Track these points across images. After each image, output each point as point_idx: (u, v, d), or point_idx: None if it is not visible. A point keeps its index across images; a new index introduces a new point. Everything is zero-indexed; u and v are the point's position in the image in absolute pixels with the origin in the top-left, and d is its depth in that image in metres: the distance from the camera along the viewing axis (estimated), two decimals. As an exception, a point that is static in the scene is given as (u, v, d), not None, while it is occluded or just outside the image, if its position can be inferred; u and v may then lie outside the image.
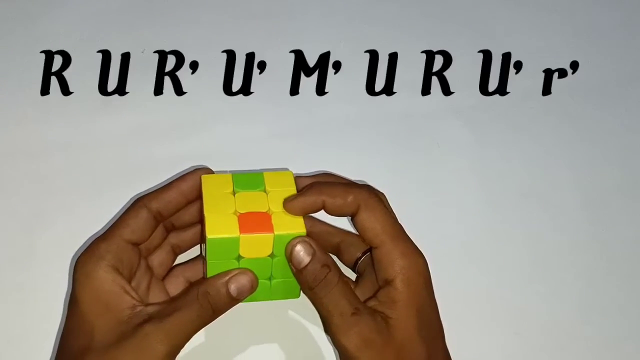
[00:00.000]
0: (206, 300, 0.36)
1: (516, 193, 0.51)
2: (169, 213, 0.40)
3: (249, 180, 0.39)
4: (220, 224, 0.37)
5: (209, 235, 0.36)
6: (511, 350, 0.46)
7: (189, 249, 0.43)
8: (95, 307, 0.36)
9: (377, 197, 0.39)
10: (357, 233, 0.40)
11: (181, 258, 0.44)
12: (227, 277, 0.37)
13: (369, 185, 0.40)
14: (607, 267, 0.49)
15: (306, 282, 0.37)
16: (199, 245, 0.44)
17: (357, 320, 0.37)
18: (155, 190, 0.40)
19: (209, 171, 0.40)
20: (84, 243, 0.46)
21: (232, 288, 0.37)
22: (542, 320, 0.47)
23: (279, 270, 0.39)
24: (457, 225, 0.49)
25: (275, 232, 0.37)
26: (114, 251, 0.38)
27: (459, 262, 0.48)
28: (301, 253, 0.37)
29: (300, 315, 0.45)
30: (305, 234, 0.37)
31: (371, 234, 0.38)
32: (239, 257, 0.38)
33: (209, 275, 0.38)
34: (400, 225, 0.39)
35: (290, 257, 0.37)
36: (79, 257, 0.38)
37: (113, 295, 0.37)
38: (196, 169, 0.40)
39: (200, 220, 0.41)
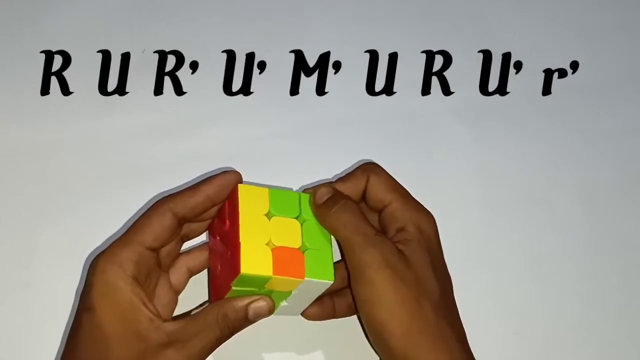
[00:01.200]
0: (225, 324, 0.37)
1: (516, 193, 0.51)
2: (193, 217, 0.39)
3: (285, 200, 0.39)
4: (254, 259, 0.36)
5: (243, 271, 0.36)
6: (511, 350, 0.46)
7: (196, 237, 0.43)
8: (113, 319, 0.36)
9: (381, 166, 0.41)
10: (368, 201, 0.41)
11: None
12: (247, 302, 0.37)
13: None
14: (607, 267, 0.49)
15: (327, 207, 0.38)
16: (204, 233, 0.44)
17: (380, 241, 0.37)
18: (181, 193, 0.39)
19: (237, 175, 0.39)
20: (84, 242, 0.46)
21: (251, 313, 0.37)
22: (542, 320, 0.47)
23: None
24: (457, 225, 0.49)
25: (306, 278, 0.37)
26: (136, 260, 0.37)
27: (458, 261, 0.48)
28: (322, 190, 0.39)
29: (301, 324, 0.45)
30: (332, 281, 0.38)
31: (382, 194, 0.40)
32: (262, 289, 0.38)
33: (227, 296, 0.38)
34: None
35: (313, 198, 0.39)
36: (97, 260, 0.37)
37: (131, 308, 0.36)
38: (224, 172, 0.39)
39: (220, 217, 0.41)
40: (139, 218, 0.38)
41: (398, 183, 0.41)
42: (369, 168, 0.41)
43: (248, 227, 0.37)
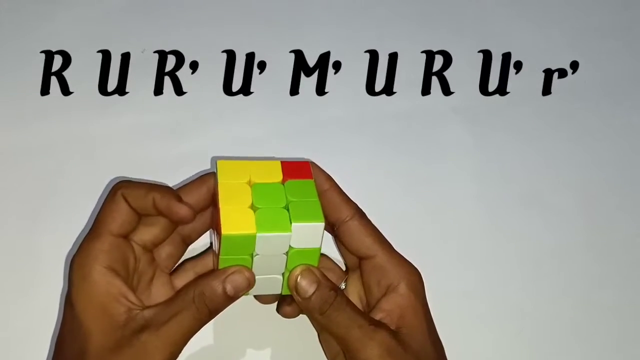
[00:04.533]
0: (202, 302, 0.36)
1: (516, 193, 0.51)
2: (147, 212, 0.39)
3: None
4: (236, 220, 0.36)
5: (224, 232, 0.35)
6: (511, 350, 0.46)
7: (199, 236, 0.43)
8: (91, 311, 0.36)
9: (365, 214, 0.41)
10: (343, 244, 0.40)
11: (194, 251, 0.44)
12: (222, 277, 0.36)
13: None
14: (606, 268, 0.49)
15: (316, 308, 0.37)
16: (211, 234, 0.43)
17: (377, 331, 0.37)
18: (138, 186, 0.38)
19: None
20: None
21: (229, 288, 0.36)
22: (541, 321, 0.47)
23: (293, 264, 0.38)
24: (457, 225, 0.49)
25: (293, 222, 0.36)
26: (108, 250, 0.37)
27: (458, 261, 0.48)
28: (304, 283, 0.37)
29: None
30: (323, 222, 0.36)
31: (368, 242, 0.39)
32: (253, 254, 0.37)
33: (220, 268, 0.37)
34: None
35: (294, 288, 0.38)
36: (74, 257, 0.37)
37: (109, 298, 0.36)
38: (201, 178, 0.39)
39: (213, 208, 0.40)
40: (100, 209, 0.38)
41: (380, 233, 0.40)
42: (358, 208, 0.40)
43: (228, 194, 0.37)
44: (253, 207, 0.37)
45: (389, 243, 0.40)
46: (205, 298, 0.36)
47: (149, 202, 0.38)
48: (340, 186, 0.41)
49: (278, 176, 0.38)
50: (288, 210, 0.37)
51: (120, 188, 0.38)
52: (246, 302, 0.40)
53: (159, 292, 0.40)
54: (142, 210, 0.38)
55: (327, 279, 0.38)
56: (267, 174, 0.38)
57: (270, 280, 0.38)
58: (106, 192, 0.48)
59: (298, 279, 0.37)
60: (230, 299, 0.37)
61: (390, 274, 0.39)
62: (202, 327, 0.37)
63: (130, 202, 0.38)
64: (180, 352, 0.36)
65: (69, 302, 0.37)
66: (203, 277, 0.37)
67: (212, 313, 0.37)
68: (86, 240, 0.38)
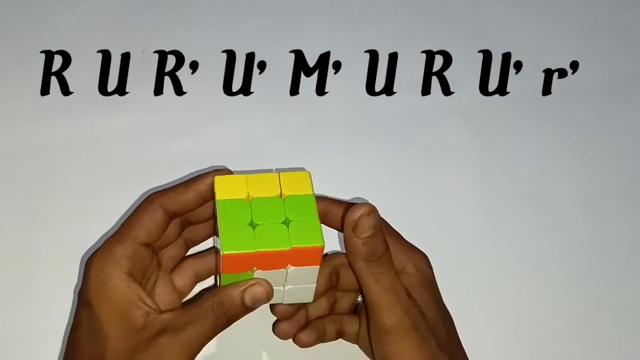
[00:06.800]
0: (221, 311, 0.36)
1: (516, 193, 0.51)
2: (183, 213, 0.39)
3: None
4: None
5: (224, 251, 0.35)
6: (511, 350, 0.46)
7: (202, 242, 0.43)
8: (110, 315, 0.36)
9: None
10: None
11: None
12: (242, 287, 0.37)
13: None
14: (606, 268, 0.49)
15: (365, 254, 0.37)
16: (211, 239, 0.43)
17: (409, 303, 0.37)
18: (173, 189, 0.39)
19: (227, 172, 0.39)
20: (84, 242, 0.46)
21: (248, 299, 0.37)
22: (541, 320, 0.47)
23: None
24: (457, 225, 0.49)
25: (292, 246, 0.36)
26: (130, 256, 0.37)
27: (458, 261, 0.48)
28: (366, 225, 0.37)
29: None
30: (323, 245, 0.36)
31: None
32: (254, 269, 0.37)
33: (222, 283, 0.38)
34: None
35: (355, 222, 0.36)
36: (92, 258, 0.37)
37: (128, 303, 0.36)
38: (216, 170, 0.39)
39: (214, 219, 0.40)
40: (131, 214, 0.38)
41: (387, 223, 0.40)
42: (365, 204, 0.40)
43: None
44: (252, 223, 0.37)
45: (398, 233, 0.40)
46: (224, 307, 0.36)
47: (190, 198, 0.38)
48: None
49: (276, 189, 0.38)
50: (287, 225, 0.37)
51: (159, 197, 0.38)
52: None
53: (162, 292, 0.40)
54: (183, 208, 0.38)
55: (383, 232, 0.38)
56: (265, 188, 0.38)
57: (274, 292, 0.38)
58: (106, 191, 0.48)
59: (363, 218, 0.36)
60: (247, 309, 0.37)
61: (397, 259, 0.39)
62: (217, 334, 0.37)
63: (169, 209, 0.38)
64: (195, 357, 0.36)
65: (85, 303, 0.37)
66: (223, 287, 0.37)
67: (229, 322, 0.37)
68: (109, 243, 0.37)
